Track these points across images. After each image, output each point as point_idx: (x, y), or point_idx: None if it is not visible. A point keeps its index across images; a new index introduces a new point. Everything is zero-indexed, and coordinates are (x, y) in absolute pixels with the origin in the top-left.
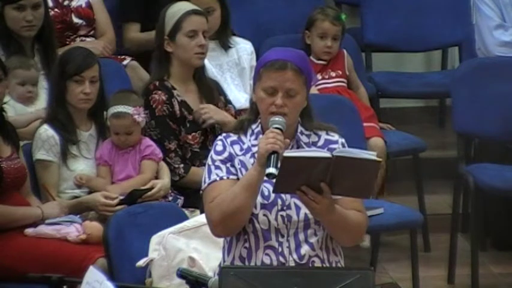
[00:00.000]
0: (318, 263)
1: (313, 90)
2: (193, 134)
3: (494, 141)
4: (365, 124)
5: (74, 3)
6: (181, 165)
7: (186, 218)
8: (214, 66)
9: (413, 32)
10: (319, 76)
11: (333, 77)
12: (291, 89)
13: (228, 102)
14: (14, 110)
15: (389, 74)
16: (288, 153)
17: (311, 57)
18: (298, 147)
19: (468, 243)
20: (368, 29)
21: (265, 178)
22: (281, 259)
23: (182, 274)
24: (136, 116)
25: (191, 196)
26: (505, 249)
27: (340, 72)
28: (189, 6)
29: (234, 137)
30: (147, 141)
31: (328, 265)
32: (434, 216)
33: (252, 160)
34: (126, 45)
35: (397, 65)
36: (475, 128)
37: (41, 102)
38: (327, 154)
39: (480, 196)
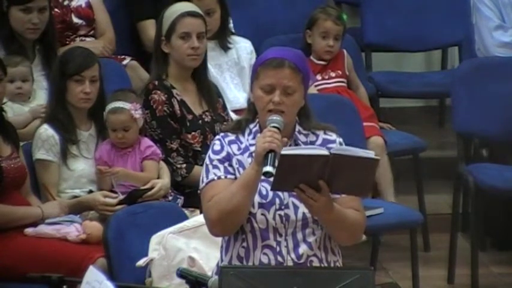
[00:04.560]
0: (316, 263)
1: (313, 90)
2: (193, 133)
3: (495, 141)
4: (365, 124)
5: (73, 3)
6: (184, 165)
7: (186, 218)
8: (214, 66)
9: (413, 32)
10: (319, 76)
11: (333, 77)
12: (288, 86)
13: (225, 107)
14: (12, 111)
15: (389, 73)
16: (285, 151)
17: (311, 57)
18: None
19: (468, 243)
20: (368, 29)
21: (263, 177)
22: (279, 258)
23: (182, 274)
24: (133, 112)
25: (191, 196)
26: (505, 249)
27: (340, 72)
28: (188, 7)
29: (231, 137)
30: (147, 141)
31: (326, 265)
32: (434, 216)
33: (249, 159)
34: (147, 45)
35: (397, 65)
36: (475, 128)
37: (39, 102)
38: (325, 152)
39: (480, 196)
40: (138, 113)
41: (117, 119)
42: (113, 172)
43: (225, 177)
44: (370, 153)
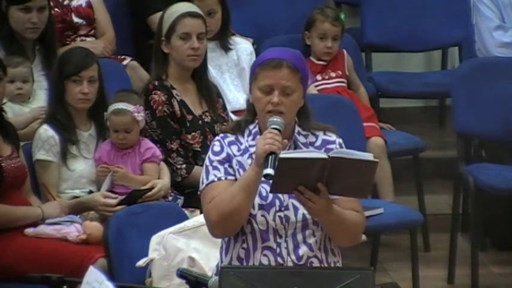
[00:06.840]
0: (316, 264)
1: (313, 90)
2: (193, 133)
3: (494, 141)
4: (365, 124)
5: (74, 3)
6: (184, 166)
7: (186, 218)
8: (214, 67)
9: (413, 32)
10: (319, 76)
11: (333, 77)
12: (287, 86)
13: (225, 107)
14: (12, 111)
15: (389, 74)
16: (284, 155)
17: (311, 58)
18: (295, 148)
19: (468, 243)
20: (368, 29)
21: (263, 179)
22: (279, 260)
23: (182, 274)
24: (136, 114)
25: (191, 196)
26: (505, 249)
27: (340, 73)
28: (188, 8)
29: (231, 138)
30: (147, 142)
31: (326, 266)
32: (434, 216)
33: (249, 161)
34: None
35: (397, 65)
36: (475, 128)
37: (39, 102)
38: (323, 155)
39: (480, 196)
40: (140, 116)
41: (120, 121)
42: (113, 169)
43: (225, 178)
44: (369, 156)
